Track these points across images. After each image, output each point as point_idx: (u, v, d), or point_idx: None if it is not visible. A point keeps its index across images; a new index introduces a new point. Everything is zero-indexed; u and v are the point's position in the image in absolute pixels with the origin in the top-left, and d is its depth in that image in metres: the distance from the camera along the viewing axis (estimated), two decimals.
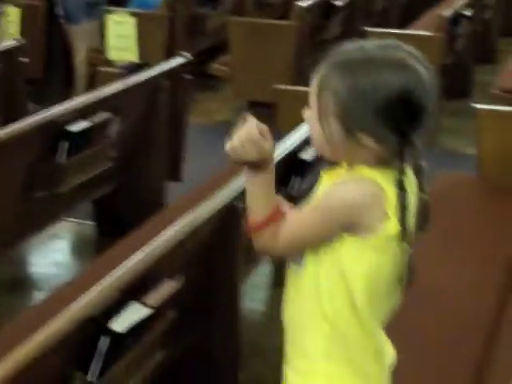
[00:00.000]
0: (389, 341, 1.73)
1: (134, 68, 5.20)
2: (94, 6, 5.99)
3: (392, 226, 1.55)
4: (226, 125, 5.70)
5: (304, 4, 5.60)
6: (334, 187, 1.60)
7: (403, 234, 1.56)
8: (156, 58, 5.45)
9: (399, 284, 1.63)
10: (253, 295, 3.62)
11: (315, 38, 5.82)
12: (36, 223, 3.41)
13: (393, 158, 1.56)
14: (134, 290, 2.05)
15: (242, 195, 2.52)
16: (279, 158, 2.86)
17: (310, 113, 1.63)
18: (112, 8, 5.71)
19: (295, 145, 3.00)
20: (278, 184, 2.88)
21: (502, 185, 3.56)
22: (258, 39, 5.66)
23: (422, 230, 1.65)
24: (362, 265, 1.59)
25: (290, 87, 4.30)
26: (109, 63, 5.46)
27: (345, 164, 1.64)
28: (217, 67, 5.90)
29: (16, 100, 4.21)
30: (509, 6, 7.89)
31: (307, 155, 3.04)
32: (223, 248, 2.53)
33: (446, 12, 5.39)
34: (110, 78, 4.40)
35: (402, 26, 7.08)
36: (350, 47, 1.60)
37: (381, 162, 1.58)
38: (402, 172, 1.56)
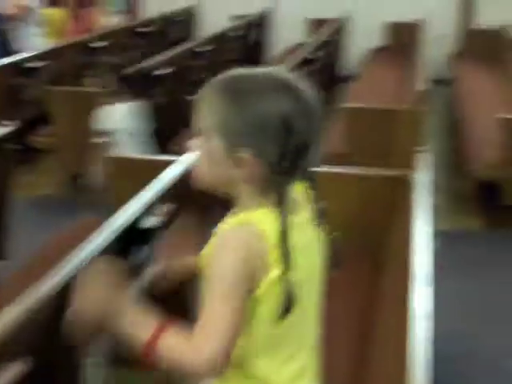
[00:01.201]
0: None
1: None
2: None
3: (275, 271, 1.51)
4: (49, 199, 5.57)
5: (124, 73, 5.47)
6: (214, 254, 1.53)
7: (285, 271, 1.51)
8: None
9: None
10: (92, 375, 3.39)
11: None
12: None
13: (274, 176, 1.53)
14: None
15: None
16: (118, 231, 2.70)
17: (196, 140, 1.60)
18: None
19: (134, 215, 2.83)
20: (117, 255, 2.77)
21: None
22: (80, 108, 5.47)
23: (336, 267, 1.65)
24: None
25: (121, 155, 4.15)
26: None
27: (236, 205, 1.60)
28: (37, 139, 5.65)
29: None
30: (323, 76, 8.11)
31: (147, 223, 2.88)
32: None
33: None
34: None
35: None
36: (230, 71, 1.60)
37: (261, 184, 1.54)
38: (282, 196, 1.52)
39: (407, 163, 3.75)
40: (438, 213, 5.19)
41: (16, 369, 1.99)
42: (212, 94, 1.55)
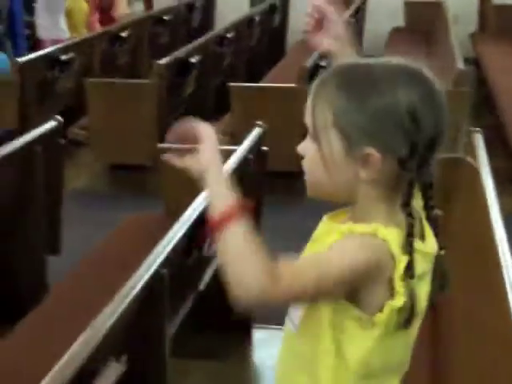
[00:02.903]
0: None
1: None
2: None
3: (400, 300, 1.40)
4: (87, 192, 5.56)
5: (163, 62, 5.47)
6: (340, 241, 1.41)
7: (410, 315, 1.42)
8: (10, 124, 5.20)
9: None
10: None
11: (173, 96, 5.69)
12: None
13: (405, 174, 1.41)
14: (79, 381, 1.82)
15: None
16: (193, 219, 2.70)
17: (304, 143, 1.48)
18: None
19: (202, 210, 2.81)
20: (192, 247, 2.77)
21: None
22: (116, 99, 5.47)
23: (442, 290, 1.52)
24: (360, 350, 1.45)
25: (172, 145, 4.12)
26: None
27: (347, 209, 1.49)
28: (75, 131, 5.65)
29: None
30: None
31: None
32: (152, 321, 2.33)
33: (307, 62, 5.40)
34: None
35: (249, 80, 7.11)
36: (348, 61, 1.51)
37: (390, 184, 1.43)
38: (408, 202, 1.41)
39: (455, 145, 3.72)
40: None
41: (113, 369, 1.99)
42: (328, 87, 1.43)
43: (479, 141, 3.42)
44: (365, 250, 1.38)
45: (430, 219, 1.51)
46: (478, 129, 3.56)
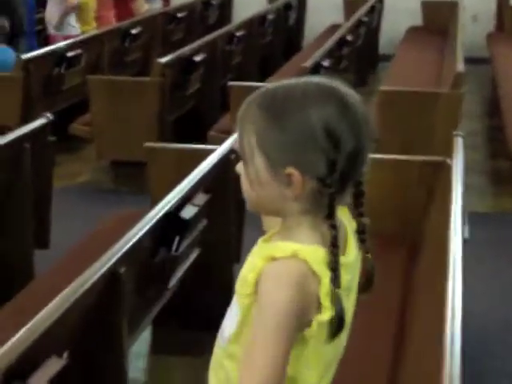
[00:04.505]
0: None
1: None
2: None
3: (327, 314, 1.44)
4: (88, 187, 5.64)
5: (164, 60, 5.52)
6: (262, 291, 1.44)
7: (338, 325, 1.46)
8: (13, 120, 5.27)
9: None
10: (132, 364, 3.45)
11: (176, 94, 5.74)
12: None
13: (325, 190, 1.44)
14: (17, 371, 1.87)
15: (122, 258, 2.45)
16: (158, 217, 2.74)
17: (240, 164, 1.52)
18: None
19: (175, 203, 2.87)
20: (160, 245, 2.81)
21: None
22: (119, 97, 5.53)
23: (365, 291, 1.57)
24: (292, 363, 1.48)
25: (161, 144, 4.18)
26: None
27: (277, 225, 1.54)
28: (78, 127, 5.73)
29: None
30: (360, 57, 8.08)
31: (186, 214, 2.92)
32: (108, 316, 2.38)
33: (307, 63, 5.43)
34: None
35: (261, 78, 7.14)
36: (268, 85, 1.52)
37: (312, 201, 1.46)
38: (331, 215, 1.45)
39: (445, 147, 3.75)
40: (480, 195, 5.21)
41: (55, 363, 2.03)
42: (249, 111, 1.48)
43: (459, 144, 3.45)
44: (287, 287, 1.42)
45: (358, 227, 1.55)
46: (460, 132, 3.59)
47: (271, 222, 1.61)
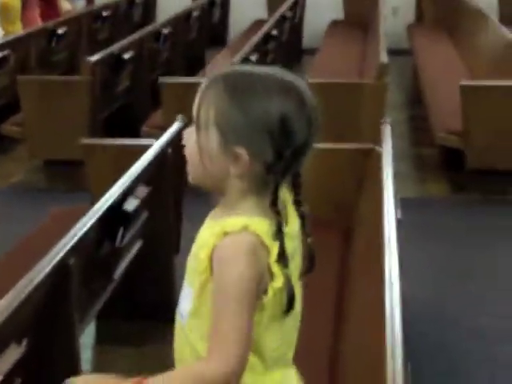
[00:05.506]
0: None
1: None
2: None
3: (279, 281, 1.56)
4: (23, 187, 5.64)
5: (93, 58, 5.56)
6: (219, 263, 1.54)
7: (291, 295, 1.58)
8: None
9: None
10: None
11: (107, 91, 5.79)
12: None
13: (268, 177, 1.55)
14: None
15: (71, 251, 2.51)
16: (103, 210, 2.81)
17: (190, 129, 1.61)
18: None
19: (118, 196, 2.95)
20: (104, 238, 2.88)
21: None
22: (50, 96, 5.55)
23: (309, 271, 1.67)
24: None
25: (98, 140, 4.24)
26: None
27: (222, 201, 1.63)
28: (9, 128, 5.72)
29: None
30: (285, 51, 8.21)
31: (129, 206, 3.00)
32: (60, 306, 2.44)
33: (236, 57, 5.52)
34: None
35: (188, 73, 7.23)
36: (235, 67, 1.63)
37: (254, 183, 1.57)
38: (275, 197, 1.56)
39: (373, 136, 3.89)
40: (406, 180, 5.39)
41: (12, 352, 2.09)
42: (215, 88, 1.56)
43: (387, 131, 3.58)
44: (243, 257, 1.53)
45: (299, 214, 1.65)
46: (387, 120, 3.72)
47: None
